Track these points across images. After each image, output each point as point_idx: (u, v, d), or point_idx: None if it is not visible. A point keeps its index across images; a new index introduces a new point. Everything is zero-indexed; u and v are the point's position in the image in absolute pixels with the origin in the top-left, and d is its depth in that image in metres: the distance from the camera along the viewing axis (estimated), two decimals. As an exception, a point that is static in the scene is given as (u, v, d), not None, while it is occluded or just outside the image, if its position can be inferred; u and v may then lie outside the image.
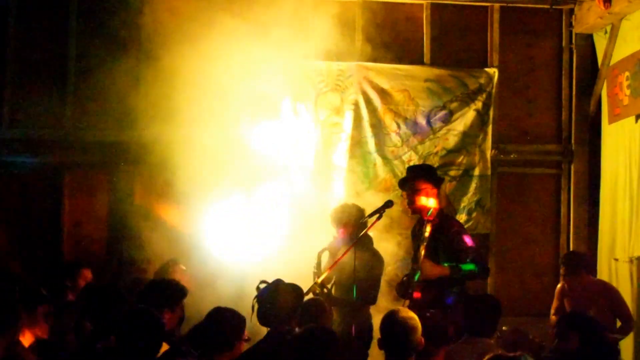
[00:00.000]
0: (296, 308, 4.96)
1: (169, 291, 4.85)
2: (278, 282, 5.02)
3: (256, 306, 4.95)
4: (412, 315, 4.32)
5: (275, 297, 4.89)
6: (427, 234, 5.67)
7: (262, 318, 4.89)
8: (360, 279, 5.78)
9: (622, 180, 7.61)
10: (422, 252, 5.66)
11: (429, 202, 5.86)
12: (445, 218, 6.00)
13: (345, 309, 6.05)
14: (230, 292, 6.60)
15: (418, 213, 6.00)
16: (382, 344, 4.26)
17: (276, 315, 4.84)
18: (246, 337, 4.50)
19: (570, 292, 6.82)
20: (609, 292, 6.76)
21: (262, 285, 5.06)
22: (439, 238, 5.76)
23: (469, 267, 5.68)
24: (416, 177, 5.98)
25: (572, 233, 8.25)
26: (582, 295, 6.70)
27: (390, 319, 4.26)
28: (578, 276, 6.70)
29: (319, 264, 6.20)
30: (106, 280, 7.23)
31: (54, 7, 7.81)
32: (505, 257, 8.27)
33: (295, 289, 5.05)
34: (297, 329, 4.55)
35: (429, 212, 5.79)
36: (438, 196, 5.96)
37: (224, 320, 4.40)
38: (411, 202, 5.93)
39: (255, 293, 5.05)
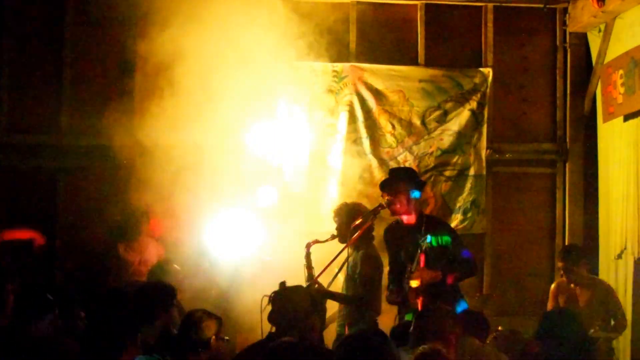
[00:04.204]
0: (307, 314, 4.88)
1: (160, 294, 4.87)
2: (297, 286, 5.06)
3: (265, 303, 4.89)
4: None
5: (288, 298, 4.85)
6: (425, 245, 5.67)
7: (271, 317, 4.84)
8: (351, 277, 6.01)
9: (622, 179, 7.58)
10: (421, 260, 5.68)
11: (408, 206, 5.91)
12: (430, 221, 6.03)
13: (346, 308, 6.20)
14: (226, 292, 6.63)
15: (397, 215, 6.03)
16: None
17: (285, 317, 4.76)
18: (223, 337, 4.51)
19: (567, 286, 6.78)
20: (603, 289, 6.73)
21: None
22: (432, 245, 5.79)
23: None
24: (397, 180, 6.00)
25: (567, 232, 8.25)
26: (578, 290, 6.68)
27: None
28: (578, 267, 6.64)
29: (308, 255, 6.21)
30: (107, 284, 7.26)
31: (49, 13, 7.82)
32: (501, 256, 8.27)
33: (310, 296, 5.04)
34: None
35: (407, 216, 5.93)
36: (418, 200, 6.01)
37: (192, 323, 4.42)
38: (390, 204, 5.94)
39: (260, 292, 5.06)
